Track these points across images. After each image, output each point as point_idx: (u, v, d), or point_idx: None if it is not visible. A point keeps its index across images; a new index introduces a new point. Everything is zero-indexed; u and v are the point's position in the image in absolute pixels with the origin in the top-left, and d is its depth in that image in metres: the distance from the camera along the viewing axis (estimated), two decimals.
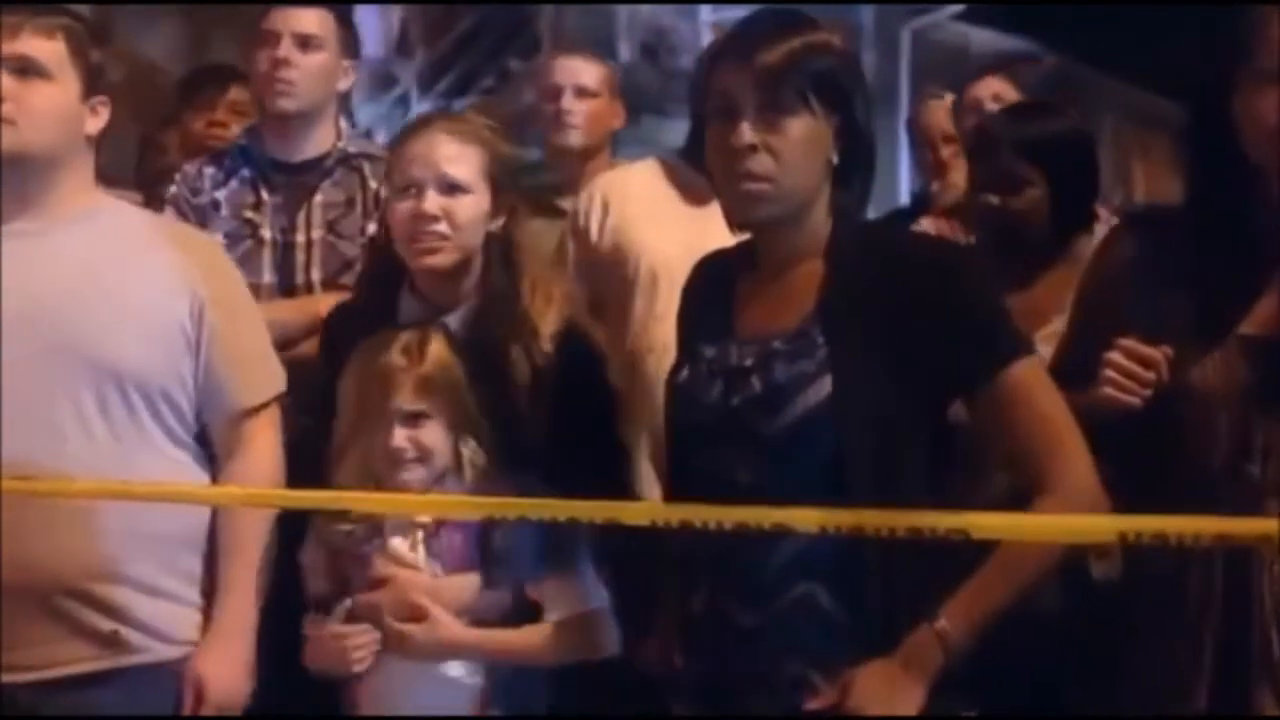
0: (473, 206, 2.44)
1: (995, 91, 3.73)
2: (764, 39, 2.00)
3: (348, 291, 2.88)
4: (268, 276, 3.04)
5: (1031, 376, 1.99)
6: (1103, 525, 1.52)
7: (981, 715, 2.23)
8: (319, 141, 3.12)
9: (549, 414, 2.42)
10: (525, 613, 2.36)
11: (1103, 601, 2.32)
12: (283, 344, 2.78)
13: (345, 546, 2.37)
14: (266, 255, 3.05)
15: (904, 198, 7.40)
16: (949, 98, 4.06)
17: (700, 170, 3.00)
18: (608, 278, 3.16)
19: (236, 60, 4.32)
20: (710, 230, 2.98)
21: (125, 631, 2.41)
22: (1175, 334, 2.07)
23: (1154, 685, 2.10)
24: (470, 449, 2.35)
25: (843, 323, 1.98)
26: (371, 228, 3.00)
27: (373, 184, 3.05)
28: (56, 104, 2.40)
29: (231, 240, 3.04)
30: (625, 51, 10.04)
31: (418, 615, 2.31)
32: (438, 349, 2.35)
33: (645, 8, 10.14)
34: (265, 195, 3.08)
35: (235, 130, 3.76)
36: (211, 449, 2.53)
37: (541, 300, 2.49)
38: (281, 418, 2.59)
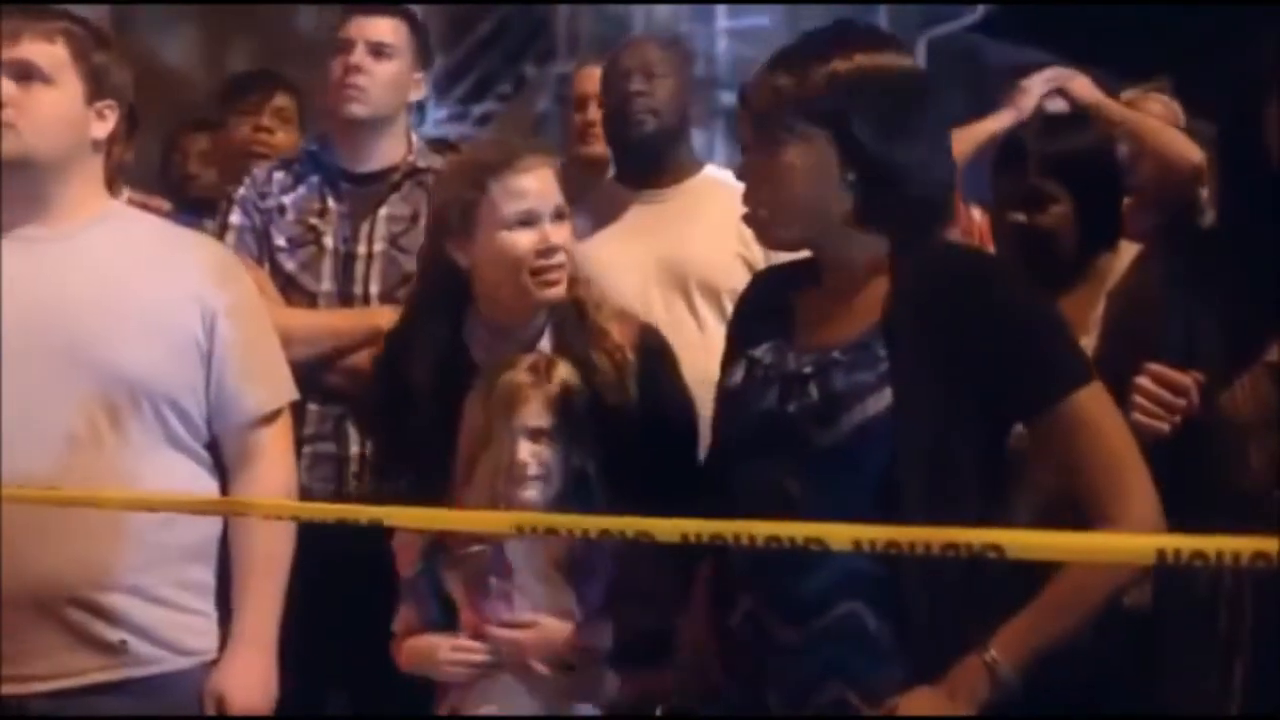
0: (570, 233, 2.52)
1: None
2: (760, 77, 2.03)
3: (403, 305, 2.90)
4: (327, 284, 3.06)
5: (1095, 404, 1.96)
6: (1140, 544, 1.50)
7: None
8: (388, 153, 3.14)
9: (639, 419, 2.46)
10: (640, 648, 2.40)
11: (1133, 629, 2.29)
12: (338, 353, 2.90)
13: (473, 568, 2.39)
14: (327, 263, 3.07)
15: None
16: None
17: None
18: None
19: (256, 66, 4.34)
20: (665, 248, 3.02)
21: (134, 642, 2.40)
22: (1205, 359, 2.05)
23: (1184, 713, 2.08)
24: (594, 471, 2.39)
25: (906, 337, 1.97)
26: None
27: None
28: (59, 108, 2.39)
29: (294, 245, 3.08)
30: None
31: (570, 664, 2.36)
32: (564, 371, 2.40)
33: (661, 14, 10.12)
34: (331, 203, 3.11)
35: (280, 137, 3.81)
36: (222, 458, 2.51)
37: (608, 313, 2.54)
38: (293, 425, 2.61)
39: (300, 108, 3.94)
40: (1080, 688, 2.40)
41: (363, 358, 2.89)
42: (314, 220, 3.10)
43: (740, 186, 2.08)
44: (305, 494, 2.83)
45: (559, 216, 2.48)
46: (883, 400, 1.95)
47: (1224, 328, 2.08)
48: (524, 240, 2.44)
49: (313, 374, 2.95)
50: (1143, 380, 2.05)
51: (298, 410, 2.92)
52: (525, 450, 2.35)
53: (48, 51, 2.38)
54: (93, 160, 2.47)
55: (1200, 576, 2.05)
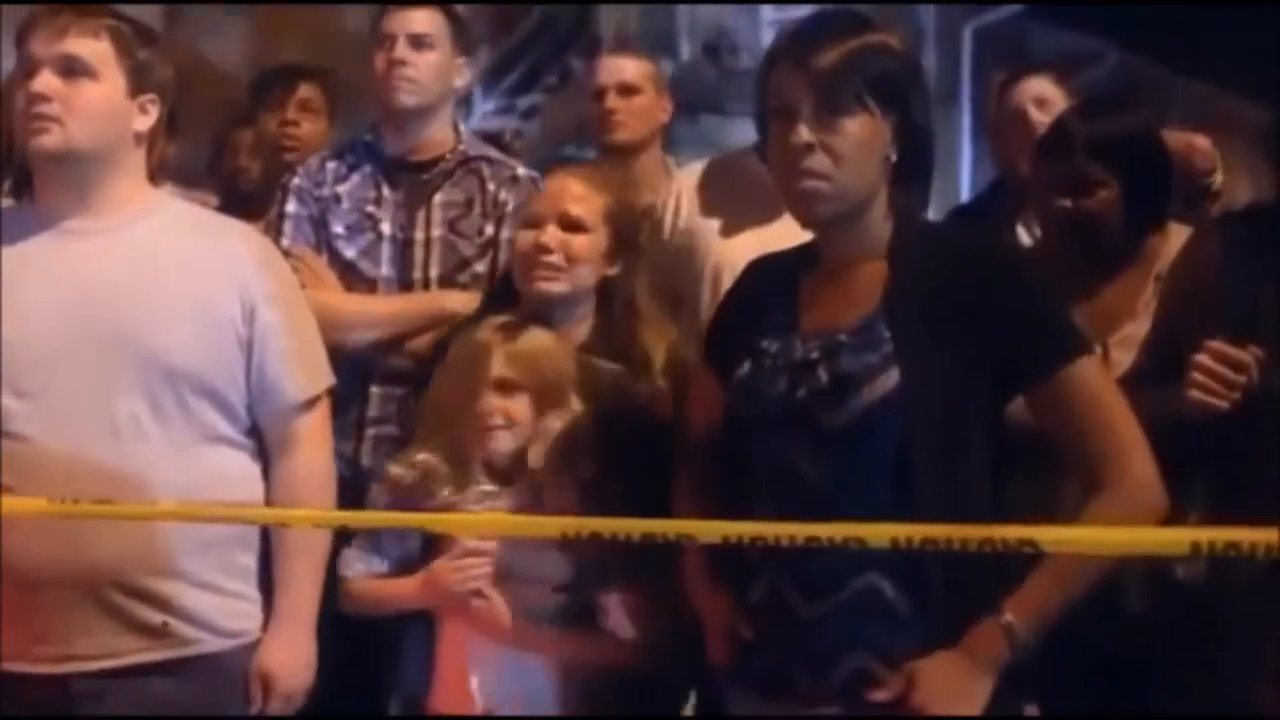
0: (589, 245, 2.63)
1: (1037, 94, 3.64)
2: (820, 41, 2.03)
3: (464, 289, 3.04)
4: (386, 270, 3.12)
5: (1091, 374, 2.00)
6: (1174, 537, 1.51)
7: (1045, 715, 2.21)
8: (437, 140, 3.20)
9: (653, 441, 2.46)
10: (583, 617, 2.44)
11: (1189, 601, 2.29)
12: (404, 336, 3.00)
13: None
14: (386, 250, 3.13)
15: (965, 194, 7.36)
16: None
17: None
18: (677, 271, 3.19)
19: (304, 61, 4.38)
20: (779, 228, 3.00)
21: (175, 623, 2.43)
22: (1262, 335, 2.05)
23: (1241, 685, 2.08)
24: (550, 424, 2.45)
25: (907, 317, 2.00)
26: (489, 229, 3.12)
27: (491, 186, 3.15)
28: (103, 102, 2.43)
29: (352, 233, 3.14)
30: (686, 50, 10.04)
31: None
32: (535, 334, 2.52)
33: (706, 7, 10.13)
34: (386, 191, 3.16)
35: (307, 129, 3.86)
36: (263, 444, 2.55)
37: (654, 338, 2.63)
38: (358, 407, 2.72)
39: (328, 97, 3.96)
40: (1136, 658, 2.40)
41: (427, 340, 2.96)
42: (370, 208, 3.15)
43: None
44: (367, 476, 2.87)
45: (571, 225, 2.61)
46: (890, 380, 1.98)
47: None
48: (525, 237, 2.64)
49: (376, 357, 3.02)
50: (1202, 357, 2.05)
51: (362, 393, 3.01)
52: (490, 401, 2.46)
53: (92, 47, 2.43)
54: (135, 154, 2.51)
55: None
